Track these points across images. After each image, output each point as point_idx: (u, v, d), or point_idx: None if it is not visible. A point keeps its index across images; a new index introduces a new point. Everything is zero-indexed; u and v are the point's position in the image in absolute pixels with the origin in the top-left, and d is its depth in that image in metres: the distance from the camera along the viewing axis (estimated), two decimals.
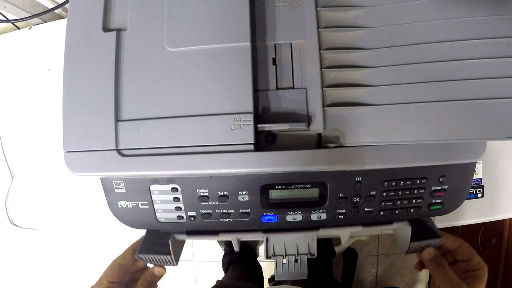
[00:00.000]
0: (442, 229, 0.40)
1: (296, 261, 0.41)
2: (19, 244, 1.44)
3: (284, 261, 0.41)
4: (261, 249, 1.24)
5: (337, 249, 1.18)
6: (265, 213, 0.37)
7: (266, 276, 1.20)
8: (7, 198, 0.62)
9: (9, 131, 0.63)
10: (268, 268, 1.21)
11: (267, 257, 0.41)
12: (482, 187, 0.51)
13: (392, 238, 1.24)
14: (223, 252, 1.18)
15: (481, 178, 0.51)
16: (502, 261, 0.93)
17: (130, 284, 0.41)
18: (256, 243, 1.23)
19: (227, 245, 1.18)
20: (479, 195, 0.51)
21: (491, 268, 0.38)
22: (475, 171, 0.50)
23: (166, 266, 0.42)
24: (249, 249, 1.20)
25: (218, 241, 1.21)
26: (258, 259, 1.21)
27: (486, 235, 0.95)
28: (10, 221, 0.62)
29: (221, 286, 0.75)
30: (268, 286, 0.99)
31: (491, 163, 0.51)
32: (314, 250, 0.41)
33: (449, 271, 0.38)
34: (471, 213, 0.51)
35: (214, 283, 0.73)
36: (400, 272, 1.25)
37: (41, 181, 0.60)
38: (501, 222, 0.93)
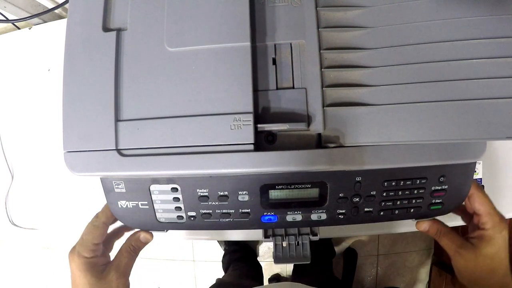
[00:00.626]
0: None
1: (297, 243, 0.39)
2: (19, 244, 1.44)
3: (284, 244, 0.39)
4: (261, 249, 1.24)
5: (337, 249, 1.18)
6: (265, 213, 0.37)
7: (266, 276, 1.20)
8: (7, 198, 0.62)
9: (9, 131, 0.63)
10: (268, 268, 1.22)
11: (266, 237, 0.39)
12: (482, 187, 0.51)
13: (392, 238, 1.24)
14: (223, 252, 1.18)
15: (481, 178, 0.51)
16: None
17: (110, 247, 0.37)
18: (256, 243, 1.23)
19: (227, 245, 1.18)
20: None
21: None
22: (475, 171, 0.50)
23: (153, 232, 0.40)
24: (249, 249, 1.20)
25: (218, 241, 1.21)
26: (258, 258, 1.21)
27: None
28: (10, 221, 0.62)
29: (221, 284, 0.75)
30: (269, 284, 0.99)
31: (491, 163, 0.51)
32: (316, 229, 0.39)
33: (445, 237, 0.35)
34: None
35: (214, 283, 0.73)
36: (400, 272, 1.26)
37: (41, 181, 0.60)
38: None
